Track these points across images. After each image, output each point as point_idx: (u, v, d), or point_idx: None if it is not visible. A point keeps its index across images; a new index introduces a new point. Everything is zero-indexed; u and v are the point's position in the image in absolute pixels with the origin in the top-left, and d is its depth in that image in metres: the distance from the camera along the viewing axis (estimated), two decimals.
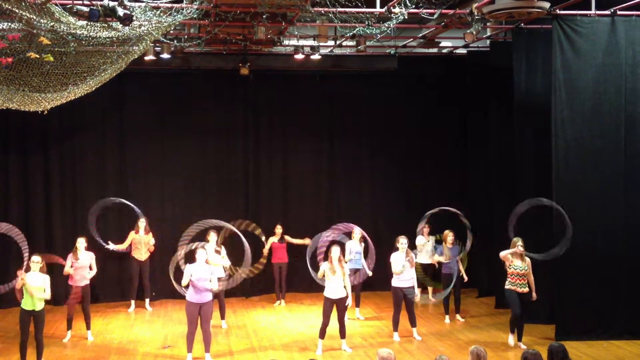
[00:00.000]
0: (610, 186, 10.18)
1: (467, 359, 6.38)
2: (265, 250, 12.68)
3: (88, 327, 10.59)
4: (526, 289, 9.79)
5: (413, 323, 10.44)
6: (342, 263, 9.70)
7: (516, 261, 9.78)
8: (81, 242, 10.58)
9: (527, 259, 9.83)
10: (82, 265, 10.48)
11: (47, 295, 9.17)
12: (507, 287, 9.88)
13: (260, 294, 13.45)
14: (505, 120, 11.98)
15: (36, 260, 9.05)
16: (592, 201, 10.16)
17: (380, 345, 9.77)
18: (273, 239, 12.79)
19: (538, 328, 10.67)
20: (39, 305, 9.02)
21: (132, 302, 12.43)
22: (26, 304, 8.99)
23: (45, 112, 9.07)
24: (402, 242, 10.28)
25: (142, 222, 12.39)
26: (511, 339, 9.99)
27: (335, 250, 9.66)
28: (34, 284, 8.96)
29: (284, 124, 13.95)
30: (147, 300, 12.55)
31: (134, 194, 13.28)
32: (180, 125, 13.51)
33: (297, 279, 13.32)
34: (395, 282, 10.29)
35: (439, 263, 11.82)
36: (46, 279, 9.13)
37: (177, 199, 13.56)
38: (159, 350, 10.00)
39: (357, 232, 11.83)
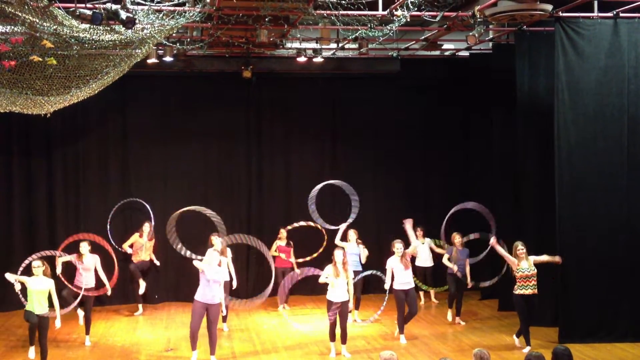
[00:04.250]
0: (613, 188, 10.16)
1: None
2: (273, 253, 12.68)
3: (87, 332, 10.54)
4: (534, 290, 9.77)
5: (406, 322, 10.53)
6: (346, 267, 9.71)
7: (522, 263, 9.78)
8: (84, 246, 10.55)
9: (530, 258, 9.82)
10: (87, 267, 10.43)
11: (55, 303, 9.15)
12: (515, 292, 9.86)
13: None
14: (508, 122, 11.97)
15: (37, 265, 9.02)
16: (595, 203, 10.13)
17: (383, 348, 9.75)
18: (279, 243, 12.79)
19: (541, 331, 10.64)
20: (43, 309, 9.01)
21: (140, 305, 12.42)
22: (30, 307, 8.99)
23: (49, 115, 9.09)
24: (397, 247, 10.33)
25: (146, 227, 12.41)
26: (517, 342, 10.06)
27: (338, 254, 9.68)
28: (38, 288, 8.95)
29: (286, 127, 13.96)
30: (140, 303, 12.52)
31: (136, 196, 13.29)
32: (182, 128, 13.51)
33: (300, 282, 13.28)
34: (396, 285, 10.34)
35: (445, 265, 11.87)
36: (51, 284, 9.11)
37: (180, 201, 13.48)
38: (162, 353, 10.00)
39: (352, 234, 11.86)
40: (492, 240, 10.18)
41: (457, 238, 11.57)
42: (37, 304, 8.95)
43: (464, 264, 11.53)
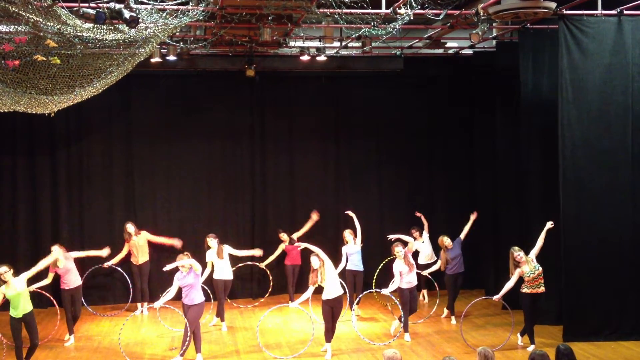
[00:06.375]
0: (617, 186, 10.14)
1: None
2: (273, 257, 12.88)
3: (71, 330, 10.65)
4: (542, 289, 9.78)
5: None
6: (322, 268, 9.67)
7: (525, 267, 9.76)
8: (55, 249, 10.55)
9: (531, 257, 9.80)
10: (67, 268, 10.55)
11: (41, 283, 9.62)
12: (522, 290, 9.87)
13: (267, 295, 13.43)
14: (512, 120, 11.96)
15: (4, 271, 8.93)
16: (599, 201, 10.12)
17: (387, 346, 9.76)
18: (284, 245, 12.82)
19: (546, 329, 10.64)
20: (27, 308, 9.02)
21: (139, 305, 12.40)
22: (14, 313, 9.00)
23: (52, 114, 9.10)
24: (397, 250, 10.42)
25: (129, 227, 12.34)
26: (520, 341, 10.11)
27: (314, 260, 9.72)
28: (21, 289, 8.95)
29: (289, 126, 13.95)
30: (145, 304, 12.40)
31: (140, 195, 13.34)
32: (186, 127, 13.53)
33: (305, 281, 13.30)
34: (402, 284, 10.42)
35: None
36: (23, 278, 9.12)
37: (183, 200, 13.58)
38: (166, 352, 10.02)
39: (347, 234, 11.87)
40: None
41: (445, 241, 11.54)
42: (22, 306, 8.95)
43: (460, 261, 11.53)
